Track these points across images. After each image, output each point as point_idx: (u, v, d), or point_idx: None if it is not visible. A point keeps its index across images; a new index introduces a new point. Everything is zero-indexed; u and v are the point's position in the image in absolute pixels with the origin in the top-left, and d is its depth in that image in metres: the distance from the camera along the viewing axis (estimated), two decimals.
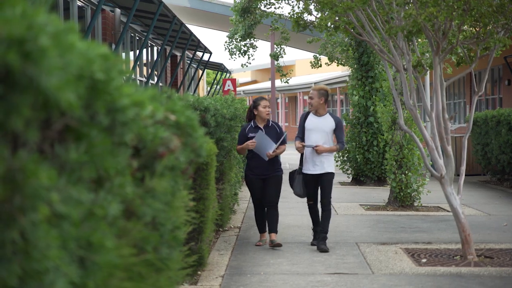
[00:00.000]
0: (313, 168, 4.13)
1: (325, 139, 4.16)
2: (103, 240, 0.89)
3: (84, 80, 0.89)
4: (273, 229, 4.11)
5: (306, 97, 23.89)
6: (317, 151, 4.08)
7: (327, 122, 4.19)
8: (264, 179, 4.15)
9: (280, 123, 21.03)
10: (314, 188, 4.17)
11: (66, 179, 0.85)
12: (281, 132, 4.19)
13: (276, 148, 4.11)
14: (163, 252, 1.29)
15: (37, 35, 0.75)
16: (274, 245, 4.04)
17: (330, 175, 4.14)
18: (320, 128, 4.16)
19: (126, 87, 1.00)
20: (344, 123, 4.14)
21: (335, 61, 11.28)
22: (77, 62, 0.84)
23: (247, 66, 11.85)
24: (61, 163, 0.88)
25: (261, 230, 4.25)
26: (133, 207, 1.12)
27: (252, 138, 4.09)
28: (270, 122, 4.22)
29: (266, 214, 4.18)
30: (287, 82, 12.54)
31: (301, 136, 4.21)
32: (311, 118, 4.21)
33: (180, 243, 1.39)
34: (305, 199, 4.30)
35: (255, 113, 4.17)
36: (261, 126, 4.17)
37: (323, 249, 3.96)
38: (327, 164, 4.14)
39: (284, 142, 4.18)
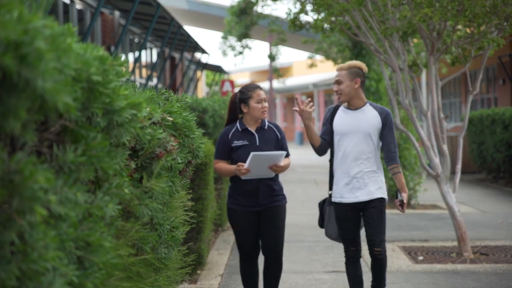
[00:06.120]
0: (351, 193, 2.50)
1: (366, 146, 2.51)
2: (101, 240, 0.90)
3: (81, 82, 0.90)
4: None
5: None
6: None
7: (368, 118, 2.54)
8: (259, 212, 2.56)
9: (278, 123, 20.62)
10: (355, 225, 2.53)
11: (63, 180, 0.86)
12: (283, 139, 2.62)
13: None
14: (161, 251, 1.30)
15: (34, 39, 0.76)
16: None
17: (380, 203, 2.50)
18: (358, 129, 2.52)
19: (123, 89, 1.01)
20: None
21: (332, 60, 11.37)
22: (74, 64, 0.85)
23: (238, 65, 12.13)
24: (59, 164, 0.89)
25: None
26: (131, 207, 1.13)
27: (238, 148, 2.54)
28: (267, 124, 2.62)
29: (264, 269, 2.60)
30: (283, 83, 12.66)
31: (328, 140, 2.62)
32: (342, 114, 2.58)
33: (179, 243, 1.40)
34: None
35: (244, 110, 2.56)
36: (252, 129, 2.58)
37: None
38: (374, 185, 2.50)
39: (288, 155, 2.62)
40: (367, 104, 2.60)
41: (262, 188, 2.56)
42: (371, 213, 2.50)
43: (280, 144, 2.62)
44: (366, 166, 2.53)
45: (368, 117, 2.56)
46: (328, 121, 2.62)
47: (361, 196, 2.51)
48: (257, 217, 2.59)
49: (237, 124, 2.61)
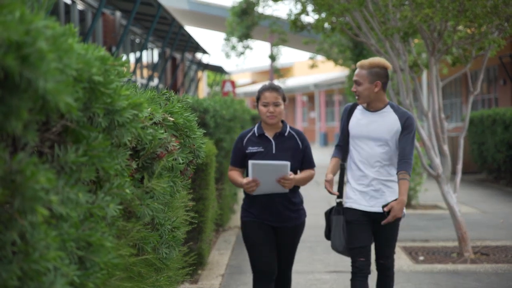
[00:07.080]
0: (365, 201, 2.28)
1: (383, 152, 2.27)
2: (102, 240, 0.90)
3: (83, 83, 0.90)
4: None
5: (304, 98, 24.11)
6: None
7: (386, 122, 2.28)
8: (275, 228, 2.32)
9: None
10: (367, 234, 2.30)
11: (65, 180, 0.86)
12: (305, 148, 2.30)
13: (296, 173, 2.27)
14: (162, 252, 1.30)
15: (35, 39, 0.76)
16: None
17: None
18: (374, 133, 2.28)
19: (125, 89, 1.02)
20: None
21: (332, 60, 11.39)
22: (75, 65, 0.85)
23: (239, 66, 12.27)
24: (60, 165, 0.89)
25: None
26: (132, 207, 1.13)
27: (252, 155, 2.26)
28: (288, 130, 2.31)
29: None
30: (284, 84, 12.71)
31: (343, 143, 2.37)
32: (359, 115, 2.33)
33: (180, 243, 1.40)
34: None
35: (257, 111, 2.38)
36: (270, 134, 2.29)
37: None
38: (392, 196, 2.27)
39: (311, 165, 2.32)
40: (388, 106, 2.29)
41: (277, 200, 2.25)
42: (385, 228, 2.27)
43: (300, 154, 2.28)
44: (383, 174, 2.27)
45: (387, 121, 2.27)
46: (345, 123, 2.35)
47: (377, 206, 2.26)
48: (273, 231, 2.30)
49: (255, 128, 2.31)
